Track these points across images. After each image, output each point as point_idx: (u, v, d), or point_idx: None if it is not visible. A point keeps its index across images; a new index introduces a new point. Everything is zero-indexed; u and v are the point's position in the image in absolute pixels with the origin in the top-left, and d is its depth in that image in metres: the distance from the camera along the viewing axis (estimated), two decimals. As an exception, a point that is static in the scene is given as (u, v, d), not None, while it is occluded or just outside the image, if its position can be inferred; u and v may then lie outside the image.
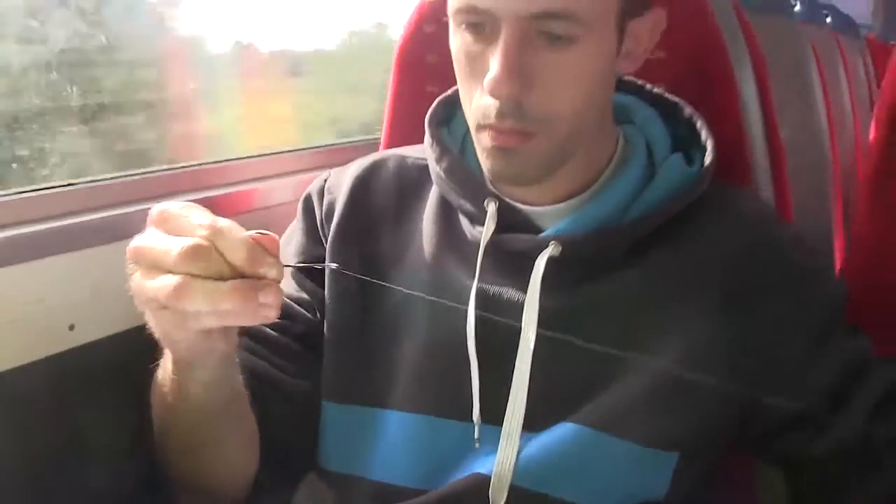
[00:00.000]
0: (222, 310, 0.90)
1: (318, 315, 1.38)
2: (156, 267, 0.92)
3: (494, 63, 1.15)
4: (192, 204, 0.95)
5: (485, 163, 1.25)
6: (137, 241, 0.94)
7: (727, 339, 1.23)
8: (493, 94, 1.16)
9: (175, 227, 0.93)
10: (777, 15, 3.43)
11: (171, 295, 0.90)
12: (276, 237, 0.94)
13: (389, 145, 1.71)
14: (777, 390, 1.21)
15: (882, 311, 1.54)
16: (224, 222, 0.92)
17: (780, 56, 3.37)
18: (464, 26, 1.20)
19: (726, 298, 1.25)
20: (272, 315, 0.91)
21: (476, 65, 1.20)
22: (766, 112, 1.77)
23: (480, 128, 1.22)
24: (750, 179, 1.61)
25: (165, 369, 1.12)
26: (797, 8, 4.75)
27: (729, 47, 1.63)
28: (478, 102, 1.21)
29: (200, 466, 1.24)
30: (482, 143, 1.23)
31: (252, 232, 0.93)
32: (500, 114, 1.18)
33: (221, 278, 0.90)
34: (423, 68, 1.68)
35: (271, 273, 0.91)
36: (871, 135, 1.56)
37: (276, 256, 0.93)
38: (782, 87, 3.19)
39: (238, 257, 0.90)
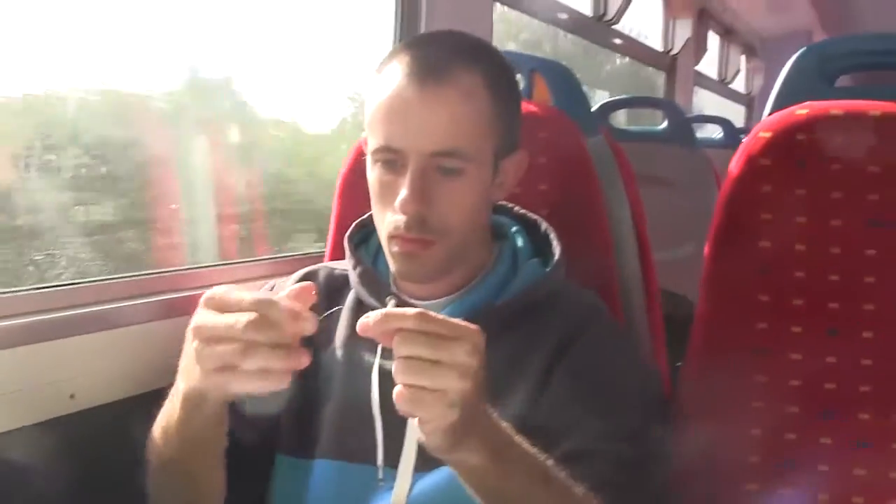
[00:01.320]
0: (272, 368, 1.18)
1: None
2: (219, 337, 1.19)
3: (405, 189, 1.55)
4: (232, 289, 1.24)
5: (394, 266, 1.64)
6: (199, 320, 1.22)
7: (547, 383, 1.60)
8: (403, 210, 1.55)
9: (226, 307, 1.21)
10: (684, 146, 3.83)
11: (238, 356, 1.17)
12: (312, 285, 1.23)
13: (333, 257, 2.04)
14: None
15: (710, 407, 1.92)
16: (265, 297, 1.19)
17: (686, 180, 3.79)
18: (380, 163, 1.60)
19: (553, 357, 1.62)
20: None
21: (389, 191, 1.59)
22: (639, 231, 2.15)
23: (391, 238, 1.61)
24: (616, 286, 1.99)
25: (173, 406, 1.41)
26: (719, 135, 5.14)
27: (601, 178, 2.02)
28: (389, 219, 1.60)
29: (182, 492, 1.56)
30: (392, 250, 1.62)
31: (291, 287, 1.23)
32: (408, 226, 1.57)
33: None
34: (360, 193, 1.92)
35: (308, 328, 1.19)
36: (706, 249, 1.95)
37: (311, 309, 1.20)
38: (687, 206, 3.60)
39: (283, 323, 1.17)
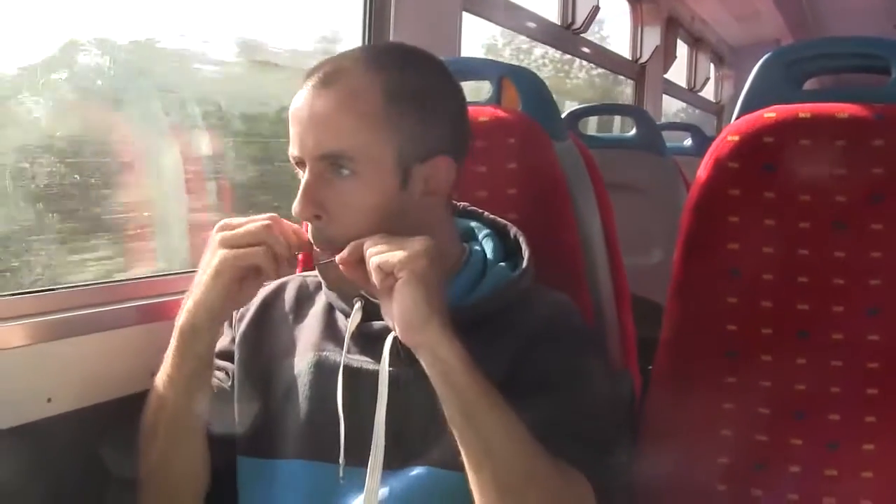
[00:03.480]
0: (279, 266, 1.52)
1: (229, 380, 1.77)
2: (242, 237, 1.52)
3: (298, 193, 1.58)
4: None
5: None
6: (220, 234, 1.54)
7: (513, 380, 1.57)
8: (295, 215, 1.58)
9: (240, 224, 1.54)
10: (653, 153, 3.87)
11: (264, 229, 1.52)
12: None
13: (304, 269, 1.98)
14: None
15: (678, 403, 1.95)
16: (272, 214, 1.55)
17: (655, 186, 3.82)
18: (299, 170, 1.62)
19: (519, 357, 1.63)
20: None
21: None
22: (609, 235, 2.17)
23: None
24: (586, 289, 2.00)
25: (170, 351, 1.60)
26: (688, 142, 5.17)
27: (571, 184, 2.03)
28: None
29: (174, 455, 1.66)
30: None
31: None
32: (313, 235, 1.60)
33: None
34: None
35: (305, 246, 1.57)
36: (675, 253, 1.97)
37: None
38: (656, 212, 3.63)
39: (287, 233, 1.54)
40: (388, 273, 1.44)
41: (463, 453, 1.46)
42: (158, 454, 1.65)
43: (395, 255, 1.43)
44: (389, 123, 1.58)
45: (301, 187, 1.57)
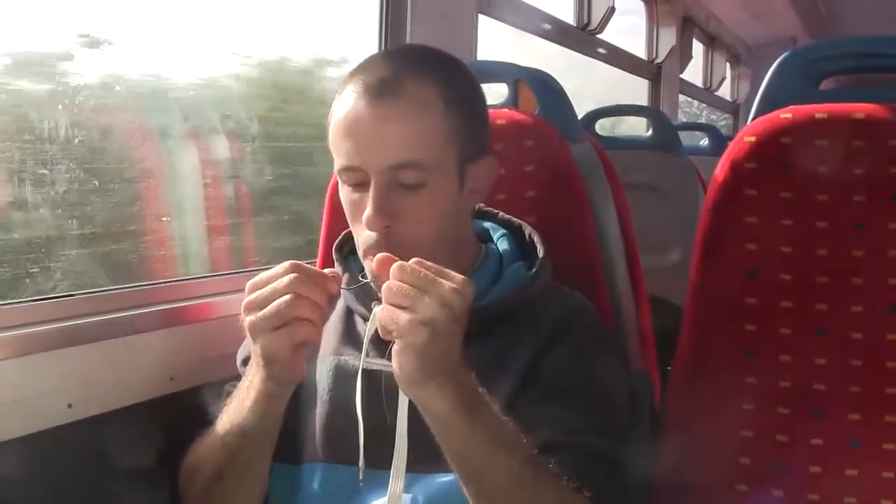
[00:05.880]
0: (314, 315, 1.41)
1: None
2: (268, 300, 1.40)
3: (369, 206, 1.57)
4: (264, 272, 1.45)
5: (371, 280, 1.64)
6: (247, 300, 1.43)
7: (529, 382, 1.62)
8: (369, 227, 1.58)
9: (268, 280, 1.43)
10: (670, 154, 3.86)
11: (288, 308, 1.39)
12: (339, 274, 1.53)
13: (323, 267, 1.97)
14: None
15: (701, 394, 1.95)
16: (296, 262, 1.43)
17: (672, 187, 3.82)
18: (347, 182, 1.63)
19: (536, 356, 1.65)
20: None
21: (358, 209, 1.61)
22: (627, 236, 2.17)
23: (366, 254, 1.63)
24: (605, 290, 2.00)
25: (241, 405, 1.57)
26: (704, 142, 5.18)
27: (588, 185, 2.04)
28: (362, 236, 1.62)
29: (242, 492, 1.67)
30: (368, 266, 1.64)
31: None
32: (378, 244, 1.59)
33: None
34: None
35: (334, 288, 1.44)
36: (693, 253, 1.97)
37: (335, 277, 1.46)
38: (673, 213, 3.63)
39: (315, 279, 1.42)
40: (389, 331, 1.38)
41: (467, 494, 1.48)
42: (225, 494, 1.67)
43: (400, 319, 1.33)
44: (452, 129, 1.61)
45: (372, 199, 1.57)
